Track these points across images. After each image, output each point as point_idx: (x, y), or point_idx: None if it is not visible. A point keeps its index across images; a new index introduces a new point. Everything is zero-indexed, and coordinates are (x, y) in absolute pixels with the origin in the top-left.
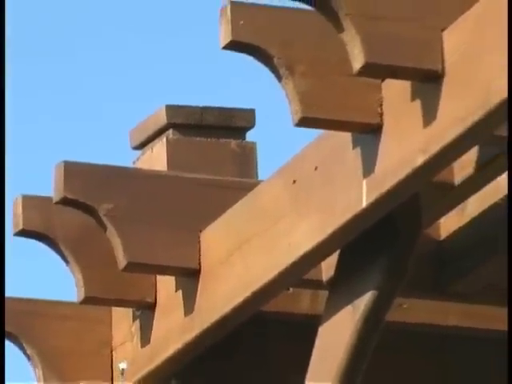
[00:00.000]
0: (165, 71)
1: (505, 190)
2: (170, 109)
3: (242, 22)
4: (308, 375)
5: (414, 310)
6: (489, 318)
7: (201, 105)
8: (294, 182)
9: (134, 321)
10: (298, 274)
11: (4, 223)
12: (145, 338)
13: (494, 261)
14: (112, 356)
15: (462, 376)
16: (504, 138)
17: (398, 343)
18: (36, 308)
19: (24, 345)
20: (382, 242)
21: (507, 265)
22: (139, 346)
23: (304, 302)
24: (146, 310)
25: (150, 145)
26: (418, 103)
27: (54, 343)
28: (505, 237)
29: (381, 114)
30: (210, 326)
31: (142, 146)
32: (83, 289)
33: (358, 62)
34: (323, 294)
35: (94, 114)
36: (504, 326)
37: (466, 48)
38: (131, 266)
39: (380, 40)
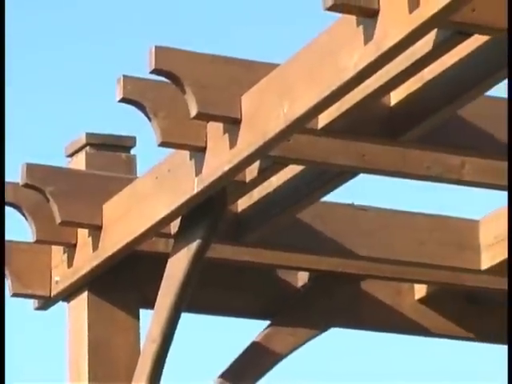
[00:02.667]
0: (88, 110)
1: (274, 186)
2: (88, 134)
3: (128, 87)
4: (160, 290)
5: (221, 251)
6: (267, 257)
7: (105, 132)
8: (157, 177)
9: (64, 253)
10: (157, 229)
11: (4, 218)
12: (69, 264)
13: (268, 224)
14: (51, 273)
15: (251, 293)
16: (274, 157)
17: (211, 271)
18: (12, 245)
19: (6, 276)
20: (205, 212)
21: (507, 263)
22: (66, 267)
23: (160, 245)
24: (71, 248)
25: (76, 155)
26: (227, 136)
27: (19, 265)
28: (272, 209)
29: (206, 141)
30: (106, 258)
31: (71, 155)
32: (36, 234)
33: (193, 111)
34: (171, 241)
35: (47, 132)
36: (275, 261)
37: (253, 106)
38: (63, 223)
39: (206, 97)
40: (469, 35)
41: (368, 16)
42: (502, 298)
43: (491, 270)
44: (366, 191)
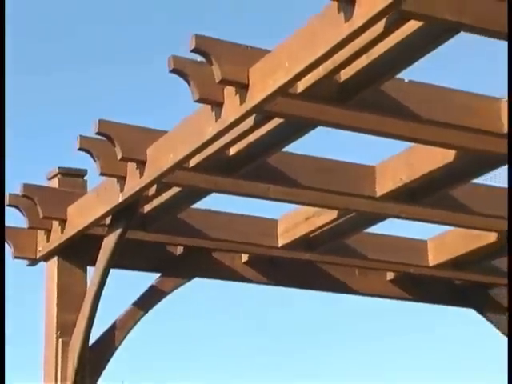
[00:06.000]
0: (60, 153)
1: (164, 198)
2: (60, 167)
3: (83, 142)
4: (99, 256)
5: (134, 234)
6: (160, 238)
7: (69, 166)
8: (98, 193)
9: (44, 234)
10: (98, 222)
11: (4, 222)
12: (47, 240)
13: (160, 219)
14: (36, 245)
15: (151, 258)
16: (164, 182)
17: (128, 246)
18: (14, 229)
19: (10, 246)
20: (125, 213)
21: (507, 265)
22: (45, 242)
23: (100, 230)
24: (48, 231)
25: (52, 179)
26: (138, 170)
27: (18, 241)
28: (163, 211)
29: (126, 173)
30: (68, 238)
31: (50, 179)
32: (28, 223)
33: (119, 156)
34: (106, 228)
35: (38, 165)
36: (164, 240)
37: (154, 154)
38: (44, 217)
39: (127, 149)
40: (272, 117)
41: (217, 106)
42: (292, 261)
43: (285, 247)
44: (222, 203)
